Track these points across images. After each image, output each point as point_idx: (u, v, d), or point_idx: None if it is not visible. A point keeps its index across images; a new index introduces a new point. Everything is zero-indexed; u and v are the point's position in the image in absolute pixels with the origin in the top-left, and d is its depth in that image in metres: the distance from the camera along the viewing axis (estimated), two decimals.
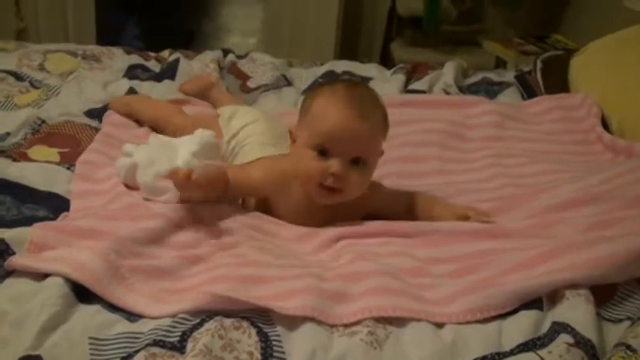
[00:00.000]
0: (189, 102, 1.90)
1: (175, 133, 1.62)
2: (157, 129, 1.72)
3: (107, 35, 3.31)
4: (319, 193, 1.30)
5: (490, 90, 2.06)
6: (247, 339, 1.02)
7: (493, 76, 2.17)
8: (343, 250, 1.24)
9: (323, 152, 1.28)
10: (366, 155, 1.30)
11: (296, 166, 1.32)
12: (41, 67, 2.03)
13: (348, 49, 3.42)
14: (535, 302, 1.08)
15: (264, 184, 1.36)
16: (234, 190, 1.34)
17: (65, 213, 1.36)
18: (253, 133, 1.54)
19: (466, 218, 1.31)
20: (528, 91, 2.04)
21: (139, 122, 1.77)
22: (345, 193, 1.30)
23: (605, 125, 1.79)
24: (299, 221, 1.34)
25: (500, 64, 3.02)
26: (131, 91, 1.94)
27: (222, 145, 1.54)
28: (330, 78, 2.10)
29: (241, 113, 1.63)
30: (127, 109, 1.79)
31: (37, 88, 1.92)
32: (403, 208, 1.40)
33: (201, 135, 1.47)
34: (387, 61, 3.37)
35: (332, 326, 1.05)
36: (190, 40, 3.88)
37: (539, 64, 2.12)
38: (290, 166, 1.35)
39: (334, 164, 1.27)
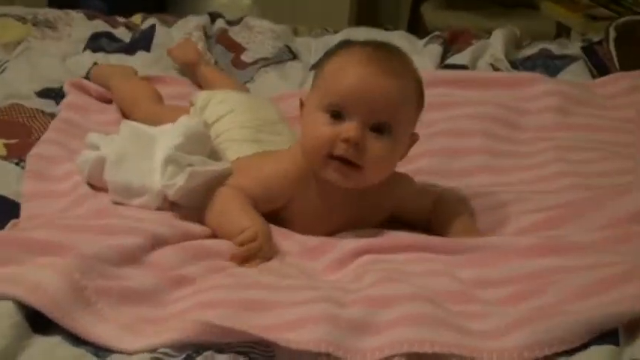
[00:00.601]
0: (164, 80, 1.93)
1: (143, 121, 1.64)
2: (123, 113, 1.76)
3: None
4: (331, 168, 1.32)
5: (550, 65, 2.07)
6: None
7: (554, 47, 2.18)
8: (366, 267, 1.25)
9: (337, 115, 1.30)
10: (391, 121, 1.31)
11: (304, 137, 1.34)
12: None
13: (367, 11, 3.43)
14: (609, 335, 1.08)
15: (269, 199, 1.39)
16: None
17: (14, 220, 1.37)
18: (228, 128, 1.56)
19: None
20: (599, 66, 2.06)
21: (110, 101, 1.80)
22: (365, 171, 1.31)
23: None
24: (314, 221, 1.38)
25: (562, 31, 3.02)
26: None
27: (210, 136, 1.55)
28: None
29: (215, 102, 1.65)
30: (104, 81, 1.83)
31: None
32: (427, 210, 1.43)
33: (186, 124, 1.48)
34: (417, 27, 3.38)
35: None
36: (166, 1, 3.89)
37: (612, 33, 2.12)
38: (292, 164, 1.38)
39: (348, 127, 1.29)
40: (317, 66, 1.42)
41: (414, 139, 1.39)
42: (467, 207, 1.44)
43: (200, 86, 1.96)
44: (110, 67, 1.96)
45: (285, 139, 1.55)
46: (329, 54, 1.41)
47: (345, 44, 1.45)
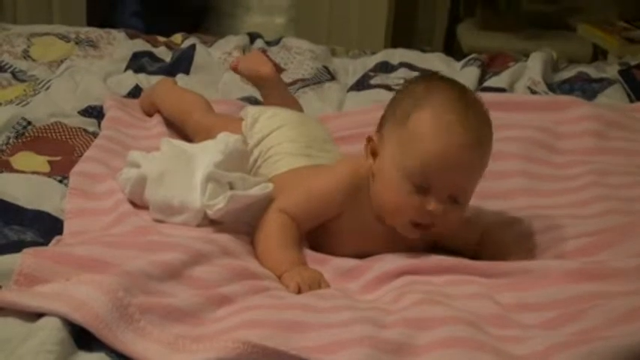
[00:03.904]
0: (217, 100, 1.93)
1: (195, 133, 1.68)
2: (176, 124, 1.78)
3: (99, 11, 3.35)
4: (408, 230, 1.37)
5: (587, 88, 2.07)
6: None
7: (591, 70, 2.19)
8: (405, 289, 1.26)
9: (421, 187, 1.33)
10: (471, 188, 1.37)
11: (384, 196, 1.37)
12: (25, 55, 2.09)
13: (402, 32, 3.44)
14: None
15: (316, 217, 1.42)
16: None
17: (58, 237, 1.39)
18: (279, 142, 1.59)
19: None
20: (636, 90, 2.06)
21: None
22: (437, 229, 1.36)
23: None
24: (355, 238, 1.40)
25: (599, 54, 3.01)
26: (137, 88, 1.99)
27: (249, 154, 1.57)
28: (386, 70, 2.12)
29: (267, 117, 1.67)
30: (150, 103, 1.86)
31: (21, 81, 1.96)
32: (474, 241, 1.45)
33: (226, 141, 1.49)
34: (452, 48, 3.38)
35: None
36: (201, 19, 3.91)
37: None
38: (340, 182, 1.41)
39: (433, 203, 1.32)
40: (399, 98, 1.41)
41: None
42: (514, 237, 1.45)
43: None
44: (150, 88, 1.96)
45: (333, 157, 1.58)
46: (414, 93, 1.39)
47: (429, 82, 1.42)
